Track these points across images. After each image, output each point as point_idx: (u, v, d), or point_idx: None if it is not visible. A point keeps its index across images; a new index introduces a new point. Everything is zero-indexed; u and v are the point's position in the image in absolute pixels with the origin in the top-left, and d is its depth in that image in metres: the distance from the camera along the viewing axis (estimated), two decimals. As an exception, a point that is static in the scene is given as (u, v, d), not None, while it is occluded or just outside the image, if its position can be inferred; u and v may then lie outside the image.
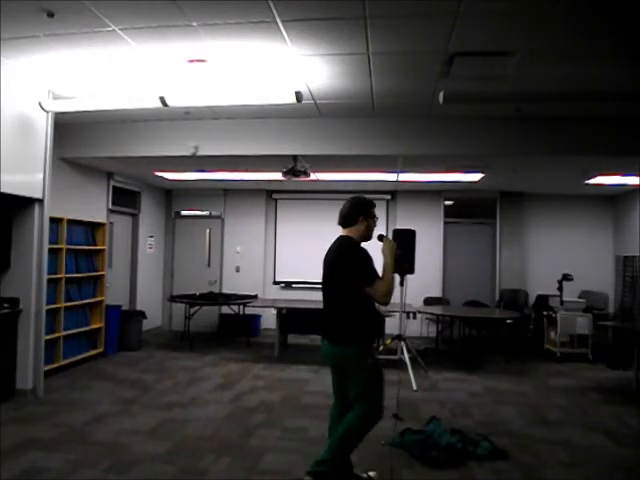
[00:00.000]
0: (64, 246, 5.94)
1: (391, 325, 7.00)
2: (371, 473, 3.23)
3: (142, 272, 8.38)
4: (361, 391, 2.95)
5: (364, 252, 3.01)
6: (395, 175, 7.15)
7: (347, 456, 3.03)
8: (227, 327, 8.59)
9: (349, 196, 3.26)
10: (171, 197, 9.41)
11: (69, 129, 5.89)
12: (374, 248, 3.12)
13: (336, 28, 3.44)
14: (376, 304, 3.01)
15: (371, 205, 3.15)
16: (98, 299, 6.69)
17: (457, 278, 8.68)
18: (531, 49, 3.63)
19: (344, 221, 3.13)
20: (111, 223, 7.42)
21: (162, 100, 4.47)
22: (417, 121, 5.53)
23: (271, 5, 3.11)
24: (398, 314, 6.37)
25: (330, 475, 2.96)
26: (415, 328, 8.08)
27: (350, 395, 3.00)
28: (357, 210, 3.10)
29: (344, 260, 3.02)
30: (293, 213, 9.19)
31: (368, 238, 3.15)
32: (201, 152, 5.77)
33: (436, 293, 8.46)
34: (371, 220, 3.11)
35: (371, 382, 2.95)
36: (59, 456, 3.50)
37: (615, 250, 8.33)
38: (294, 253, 9.06)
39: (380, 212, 9.63)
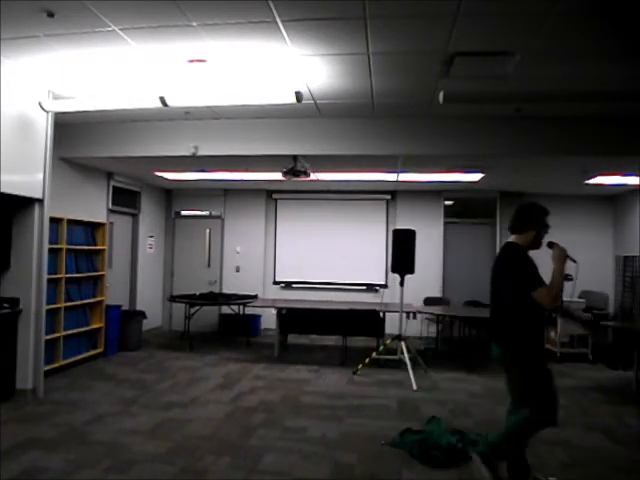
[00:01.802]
0: (64, 246, 5.94)
1: (391, 325, 7.00)
2: (551, 478, 3.19)
3: (142, 272, 8.38)
4: (524, 393, 2.95)
5: (527, 259, 2.99)
6: (395, 175, 7.15)
7: (516, 454, 3.03)
8: (227, 327, 8.59)
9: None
10: (171, 197, 9.41)
11: (69, 129, 5.89)
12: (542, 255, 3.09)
13: (336, 28, 3.44)
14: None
15: (543, 213, 3.11)
16: (98, 299, 6.69)
17: (457, 278, 8.68)
18: (531, 49, 3.63)
19: (514, 227, 3.11)
20: (111, 223, 7.42)
21: (162, 100, 4.47)
22: (417, 121, 5.53)
23: (271, 5, 3.11)
24: (398, 314, 6.38)
25: (489, 458, 3.00)
26: (415, 328, 8.08)
27: (514, 396, 3.03)
28: (527, 218, 3.09)
29: (509, 267, 3.03)
30: (293, 213, 9.19)
31: (536, 246, 3.08)
32: (201, 152, 5.77)
33: (436, 293, 8.46)
34: (542, 229, 3.08)
35: (534, 385, 2.93)
36: (59, 456, 3.50)
37: (615, 250, 8.33)
38: (294, 253, 9.07)
39: (380, 212, 9.72)
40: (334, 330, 7.00)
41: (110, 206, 7.43)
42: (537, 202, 3.19)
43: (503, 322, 3.05)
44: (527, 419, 2.94)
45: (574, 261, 3.04)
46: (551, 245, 3.09)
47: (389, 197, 8.86)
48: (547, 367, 2.98)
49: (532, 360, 2.94)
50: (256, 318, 8.56)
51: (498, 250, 3.18)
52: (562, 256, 2.99)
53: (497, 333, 3.08)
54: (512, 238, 3.11)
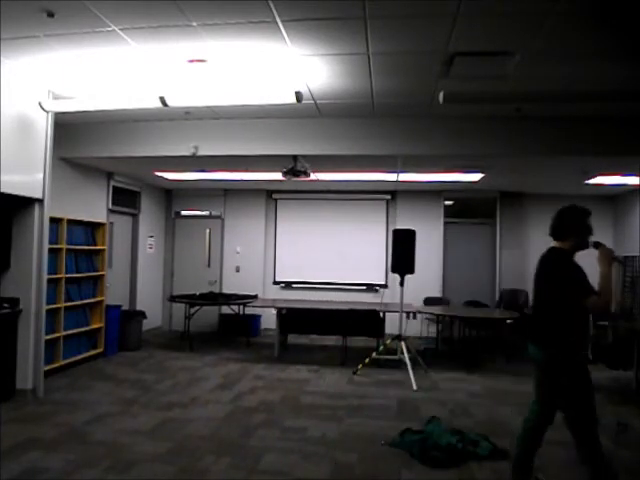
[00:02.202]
0: (64, 246, 5.94)
1: (391, 325, 7.00)
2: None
3: (142, 272, 8.38)
4: (567, 399, 2.92)
5: (575, 267, 2.91)
6: (395, 175, 7.15)
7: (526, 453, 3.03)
8: (227, 327, 8.59)
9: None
10: (171, 197, 9.41)
11: (69, 129, 5.89)
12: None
13: (336, 28, 3.44)
14: None
15: (585, 217, 3.03)
16: (98, 299, 6.69)
17: (457, 278, 8.68)
18: (531, 49, 3.64)
19: (557, 233, 3.04)
20: (111, 223, 7.42)
21: (162, 100, 4.47)
22: (417, 121, 5.52)
23: (271, 5, 3.11)
24: (398, 314, 6.38)
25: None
26: (415, 328, 8.08)
27: (559, 403, 2.98)
28: (570, 224, 3.01)
29: (556, 274, 2.95)
30: (293, 213, 9.19)
31: (582, 248, 3.00)
32: (201, 152, 5.77)
33: (436, 293, 8.47)
34: (586, 233, 2.98)
35: (576, 390, 2.89)
36: (59, 456, 3.50)
37: (615, 250, 8.29)
38: (294, 253, 9.07)
39: (380, 212, 9.71)
40: (334, 330, 7.00)
41: (110, 206, 7.43)
42: (577, 204, 3.11)
43: (549, 325, 2.97)
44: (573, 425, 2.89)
45: (620, 262, 3.00)
46: (597, 245, 2.99)
47: (389, 197, 8.86)
48: (586, 371, 2.94)
49: (577, 364, 2.91)
50: (256, 318, 8.56)
51: (544, 254, 3.10)
52: (608, 257, 2.91)
53: (541, 335, 3.01)
54: (555, 243, 3.04)
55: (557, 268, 2.95)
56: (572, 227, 2.98)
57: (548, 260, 3.05)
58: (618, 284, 7.81)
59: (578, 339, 2.94)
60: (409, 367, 5.68)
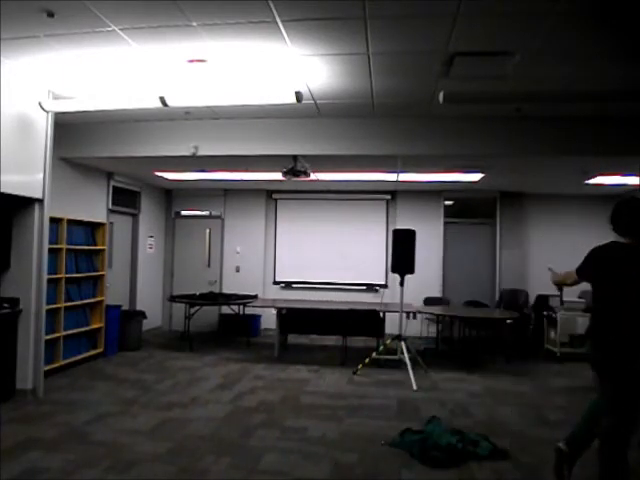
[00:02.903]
0: (64, 246, 5.93)
1: (391, 325, 7.00)
2: None
3: (142, 272, 8.38)
4: (608, 403, 2.83)
5: None
6: (395, 175, 7.15)
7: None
8: (227, 327, 8.59)
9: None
10: (171, 197, 9.41)
11: (69, 129, 5.89)
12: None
13: (336, 28, 3.44)
14: None
15: None
16: (98, 299, 6.68)
17: (457, 278, 8.68)
18: (531, 49, 3.64)
19: (632, 231, 2.86)
20: (111, 223, 7.42)
21: (162, 100, 4.47)
22: (417, 121, 5.52)
23: (271, 5, 3.11)
24: (398, 314, 6.38)
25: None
26: (415, 328, 8.08)
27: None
28: None
29: None
30: (293, 213, 9.19)
31: None
32: (201, 152, 5.77)
33: (436, 293, 8.47)
34: None
35: (621, 394, 2.77)
36: (59, 456, 3.49)
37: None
38: (294, 253, 9.07)
39: (380, 212, 9.71)
40: (334, 330, 7.00)
41: (110, 206, 7.43)
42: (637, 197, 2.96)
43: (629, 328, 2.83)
44: (607, 432, 2.80)
45: None
46: None
47: (389, 197, 8.86)
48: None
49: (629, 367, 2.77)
50: (256, 318, 8.55)
51: (611, 248, 2.94)
52: None
53: (625, 340, 2.87)
54: (626, 239, 2.88)
55: None
56: None
57: (631, 257, 2.84)
58: None
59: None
60: (409, 367, 5.67)
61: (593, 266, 2.97)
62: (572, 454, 3.02)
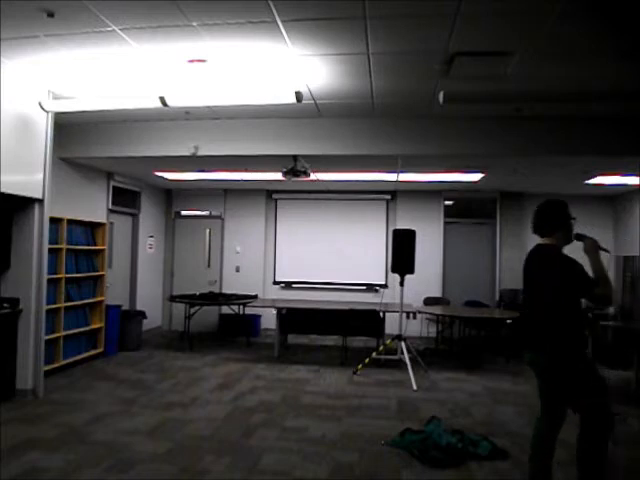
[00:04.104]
0: (64, 246, 5.94)
1: (391, 325, 7.01)
2: None
3: (142, 272, 8.38)
4: (581, 402, 2.78)
5: (574, 260, 2.83)
6: (395, 175, 7.15)
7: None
8: (227, 327, 8.59)
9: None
10: (171, 197, 9.41)
11: (69, 129, 5.89)
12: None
13: (336, 28, 3.43)
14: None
15: (566, 209, 2.98)
16: (98, 299, 6.69)
17: (457, 278, 8.68)
18: (531, 49, 3.63)
19: (543, 229, 2.98)
20: (111, 223, 7.42)
21: (162, 100, 4.47)
22: (417, 121, 5.52)
23: (271, 5, 3.11)
24: (398, 314, 6.39)
25: None
26: (415, 328, 8.08)
27: (574, 409, 2.84)
28: (556, 217, 2.96)
29: (559, 271, 2.84)
30: (293, 213, 9.19)
31: (569, 241, 2.98)
32: (201, 152, 5.77)
33: (436, 293, 8.46)
34: (570, 222, 2.95)
35: (587, 390, 2.76)
36: (59, 456, 3.50)
37: (615, 250, 8.33)
38: (294, 253, 9.07)
39: (380, 212, 9.71)
40: (334, 330, 7.01)
41: (110, 206, 7.43)
42: (555, 198, 3.06)
43: (548, 327, 2.87)
44: (591, 432, 2.75)
45: (607, 251, 2.94)
46: (580, 237, 2.97)
47: (389, 197, 8.86)
48: (594, 368, 2.83)
49: (583, 364, 2.79)
50: (256, 318, 8.55)
51: (533, 252, 3.02)
52: (595, 247, 2.90)
53: (540, 339, 2.91)
54: (545, 240, 2.98)
55: (556, 265, 2.86)
56: (559, 223, 2.94)
57: (544, 258, 2.96)
58: (612, 275, 7.86)
59: (581, 339, 2.86)
60: (409, 367, 5.67)
61: (523, 271, 3.10)
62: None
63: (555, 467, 2.95)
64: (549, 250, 2.95)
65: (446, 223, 8.76)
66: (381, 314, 6.82)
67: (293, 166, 5.96)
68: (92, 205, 6.97)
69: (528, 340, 2.98)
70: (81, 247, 6.39)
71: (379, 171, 6.97)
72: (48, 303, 5.18)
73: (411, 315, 7.17)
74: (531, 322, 2.99)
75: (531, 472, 2.93)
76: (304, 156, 5.90)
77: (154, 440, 3.86)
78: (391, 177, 7.30)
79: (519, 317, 6.58)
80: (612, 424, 2.78)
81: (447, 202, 8.79)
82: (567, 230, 2.94)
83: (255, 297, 8.02)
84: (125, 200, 7.93)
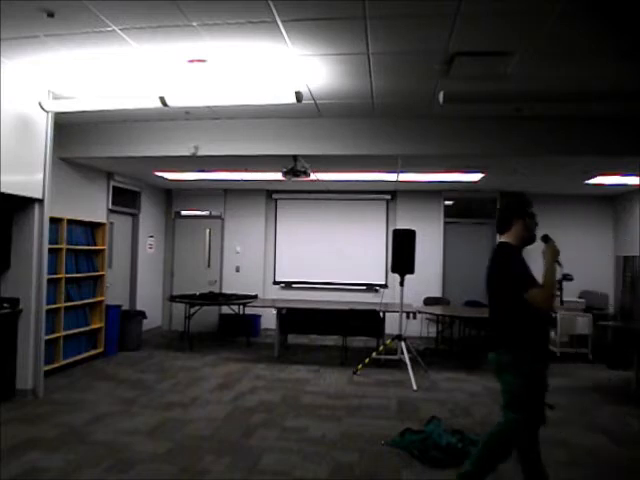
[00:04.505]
0: (64, 246, 5.94)
1: (391, 325, 7.00)
2: None
3: (142, 272, 8.38)
4: (510, 401, 2.77)
5: (516, 257, 2.77)
6: (395, 175, 7.15)
7: (490, 469, 2.84)
8: (227, 327, 8.59)
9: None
10: (171, 197, 9.41)
11: (69, 129, 5.89)
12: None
13: (336, 28, 3.44)
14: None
15: (524, 203, 2.86)
16: (98, 299, 6.69)
17: (457, 278, 8.67)
18: (531, 49, 3.63)
19: (499, 227, 2.89)
20: (111, 223, 7.42)
21: (162, 100, 4.47)
22: (417, 121, 5.52)
23: (271, 5, 3.11)
24: (398, 314, 6.39)
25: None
26: (415, 328, 8.07)
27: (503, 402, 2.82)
28: (509, 212, 2.85)
29: (498, 269, 2.83)
30: (293, 213, 9.19)
31: (530, 240, 2.82)
32: (201, 152, 5.77)
33: (436, 293, 8.46)
34: (527, 219, 2.80)
35: (522, 393, 2.74)
36: (59, 456, 3.50)
37: (615, 250, 8.33)
38: (294, 253, 9.06)
39: (380, 212, 9.70)
40: (334, 330, 7.01)
41: (110, 206, 7.43)
42: (517, 194, 3.03)
43: (498, 325, 2.86)
44: (507, 428, 2.80)
45: (560, 265, 2.80)
46: (546, 239, 2.83)
47: (389, 197, 8.86)
48: (545, 376, 2.80)
49: (527, 366, 2.73)
50: (256, 318, 8.55)
51: (492, 251, 2.98)
52: (555, 253, 2.76)
53: (493, 337, 2.90)
54: (502, 238, 2.88)
55: (502, 263, 2.81)
56: (513, 216, 2.81)
57: (495, 256, 2.89)
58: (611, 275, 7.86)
59: (534, 342, 2.74)
60: (409, 367, 5.67)
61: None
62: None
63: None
64: (498, 248, 2.88)
65: (446, 223, 8.75)
66: (381, 314, 6.82)
67: (293, 166, 5.96)
68: (92, 205, 6.97)
69: (492, 341, 2.92)
70: (81, 247, 6.38)
71: (379, 171, 6.97)
72: (48, 303, 5.18)
73: (411, 315, 7.16)
74: (491, 323, 2.95)
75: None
76: (304, 156, 5.90)
77: (154, 440, 3.86)
78: (391, 177, 7.29)
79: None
80: (544, 420, 2.84)
81: (447, 202, 8.79)
82: (524, 228, 2.79)
83: (255, 297, 8.02)
84: (125, 200, 7.92)
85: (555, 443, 3.93)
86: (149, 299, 8.52)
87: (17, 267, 4.85)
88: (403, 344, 6.02)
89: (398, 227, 7.02)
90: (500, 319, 2.84)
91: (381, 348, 6.31)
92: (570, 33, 3.39)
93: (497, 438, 2.85)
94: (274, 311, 7.26)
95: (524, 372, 2.71)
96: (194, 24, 3.38)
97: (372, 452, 3.69)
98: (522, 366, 2.70)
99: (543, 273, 2.69)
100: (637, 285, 7.38)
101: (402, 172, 6.93)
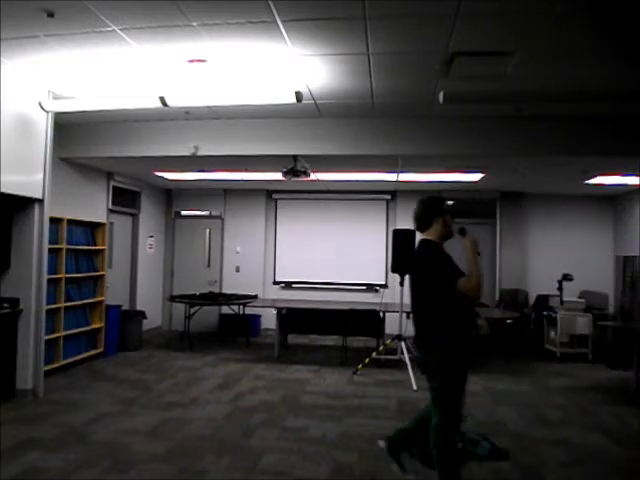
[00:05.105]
0: (64, 246, 5.93)
1: (391, 325, 7.00)
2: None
3: (142, 272, 8.38)
4: (436, 397, 2.88)
5: (442, 252, 2.94)
6: (395, 175, 7.15)
7: (455, 471, 2.88)
8: (227, 327, 8.58)
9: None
10: (171, 197, 9.41)
11: (69, 129, 5.89)
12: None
13: (336, 28, 3.43)
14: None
15: (441, 201, 3.14)
16: (98, 299, 6.69)
17: (457, 278, 8.66)
18: (531, 49, 3.63)
19: (419, 225, 3.09)
20: (111, 223, 7.42)
21: (162, 100, 4.47)
22: (417, 121, 5.52)
23: (271, 5, 3.11)
24: (398, 314, 6.38)
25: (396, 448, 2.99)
26: (415, 328, 8.06)
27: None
28: (429, 211, 3.05)
29: (425, 265, 2.97)
30: (293, 213, 9.19)
31: (449, 236, 3.04)
32: (201, 152, 5.76)
33: (436, 293, 8.44)
34: (447, 216, 3.03)
35: (447, 389, 2.84)
36: (59, 456, 3.50)
37: (615, 250, 8.33)
38: (294, 253, 9.06)
39: (380, 212, 9.69)
40: (334, 330, 7.00)
41: (110, 206, 7.43)
42: (430, 195, 3.23)
43: (423, 323, 2.99)
44: (438, 426, 2.84)
45: (479, 254, 2.96)
46: (463, 232, 3.02)
47: (389, 197, 8.86)
48: (466, 371, 2.91)
49: (450, 364, 2.82)
50: (256, 318, 8.55)
51: (416, 248, 3.15)
52: (474, 244, 2.94)
53: (418, 335, 3.01)
54: (423, 235, 3.07)
55: (427, 259, 2.96)
56: (431, 215, 3.02)
57: (418, 254, 3.06)
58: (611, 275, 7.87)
59: (449, 337, 2.84)
60: (409, 367, 5.67)
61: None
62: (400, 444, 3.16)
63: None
64: (422, 244, 3.04)
65: (446, 223, 8.74)
66: (381, 314, 6.82)
67: (293, 166, 5.96)
68: (92, 205, 6.97)
69: (415, 338, 3.06)
70: (81, 247, 6.38)
71: (379, 171, 6.97)
72: (48, 303, 5.18)
73: (411, 315, 7.16)
74: (415, 321, 3.08)
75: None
76: (304, 156, 5.90)
77: (154, 440, 3.86)
78: (391, 177, 7.29)
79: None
80: (460, 420, 2.92)
81: (447, 202, 8.77)
82: (443, 225, 2.99)
83: (255, 297, 8.02)
84: (125, 200, 7.92)
85: (555, 443, 3.94)
86: (149, 299, 8.52)
87: (17, 267, 4.85)
88: (403, 344, 6.02)
89: (398, 227, 7.02)
90: (426, 317, 2.98)
91: (381, 348, 6.31)
92: (570, 33, 3.39)
93: (438, 438, 2.88)
94: (274, 311, 7.26)
95: (450, 369, 2.82)
96: (194, 24, 3.38)
97: (372, 452, 3.69)
98: (449, 363, 2.82)
99: (467, 263, 2.86)
100: (637, 285, 7.38)
101: (402, 172, 6.93)
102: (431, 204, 3.08)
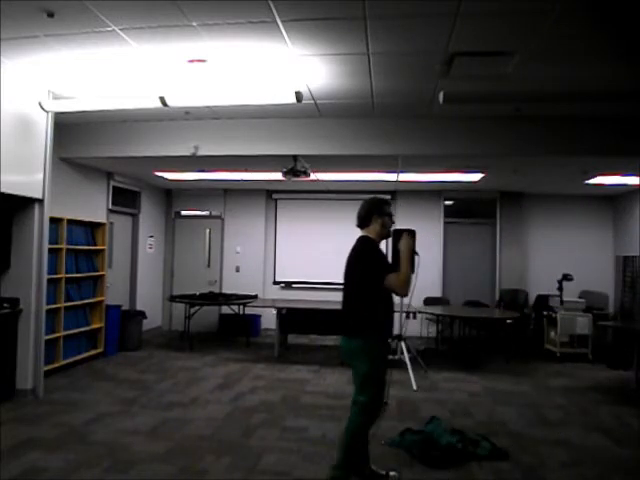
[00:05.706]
0: (64, 246, 5.93)
1: (391, 325, 7.00)
2: (392, 473, 3.28)
3: (142, 272, 8.38)
4: (361, 384, 3.08)
5: (375, 248, 3.16)
6: (395, 175, 7.15)
7: (357, 453, 3.13)
8: (227, 327, 8.59)
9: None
10: (171, 197, 9.41)
11: (69, 129, 5.89)
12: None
13: (336, 28, 3.43)
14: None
15: (383, 203, 3.30)
16: (98, 299, 6.68)
17: (457, 278, 8.68)
18: (531, 49, 3.63)
19: (360, 222, 3.28)
20: (111, 223, 7.42)
21: (162, 100, 4.47)
22: (417, 121, 5.52)
23: (271, 5, 3.11)
24: (398, 314, 6.38)
25: (345, 478, 3.07)
26: (415, 328, 8.08)
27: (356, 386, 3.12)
28: (370, 210, 3.24)
29: (358, 258, 3.19)
30: (293, 213, 9.19)
31: (386, 235, 3.28)
32: (201, 152, 5.76)
33: (436, 293, 8.46)
34: (385, 218, 3.23)
35: (372, 376, 3.05)
36: (59, 456, 3.50)
37: (615, 250, 8.33)
38: (294, 253, 9.06)
39: (380, 212, 9.47)
40: (334, 330, 6.99)
41: (110, 206, 7.43)
42: (373, 196, 3.39)
43: (351, 312, 3.26)
44: (361, 411, 3.07)
45: (416, 254, 3.21)
46: (398, 233, 3.24)
47: (389, 197, 8.83)
48: (386, 359, 3.16)
49: (376, 352, 3.08)
50: (256, 318, 8.55)
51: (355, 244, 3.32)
52: (410, 244, 3.15)
53: (345, 323, 3.28)
54: (363, 232, 3.25)
55: (362, 254, 3.17)
56: (372, 214, 3.21)
57: (354, 249, 3.24)
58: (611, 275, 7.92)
59: (375, 327, 3.10)
60: (409, 367, 5.67)
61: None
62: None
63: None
64: (358, 241, 3.23)
65: (446, 223, 8.75)
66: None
67: (293, 166, 5.96)
68: (92, 205, 6.97)
69: (341, 327, 3.33)
70: (81, 247, 6.38)
71: (379, 171, 6.97)
72: (48, 303, 5.18)
73: (411, 315, 7.16)
74: (344, 310, 3.34)
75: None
76: (304, 156, 5.90)
77: (154, 440, 3.86)
78: (391, 177, 7.29)
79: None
80: (382, 404, 3.16)
81: (447, 202, 8.79)
82: (381, 225, 3.21)
83: (255, 297, 8.02)
84: (125, 200, 7.92)
85: (555, 443, 3.94)
86: (149, 299, 8.52)
87: (17, 267, 4.85)
88: (403, 344, 6.02)
89: (398, 227, 7.02)
90: (354, 306, 3.24)
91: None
92: (570, 33, 3.39)
93: (356, 418, 3.11)
94: (274, 311, 7.26)
95: (374, 356, 3.06)
96: (194, 24, 3.38)
97: (372, 452, 3.69)
98: (372, 351, 3.05)
99: (400, 261, 3.09)
100: (637, 285, 7.38)
101: (402, 172, 6.93)
102: (373, 205, 3.26)
